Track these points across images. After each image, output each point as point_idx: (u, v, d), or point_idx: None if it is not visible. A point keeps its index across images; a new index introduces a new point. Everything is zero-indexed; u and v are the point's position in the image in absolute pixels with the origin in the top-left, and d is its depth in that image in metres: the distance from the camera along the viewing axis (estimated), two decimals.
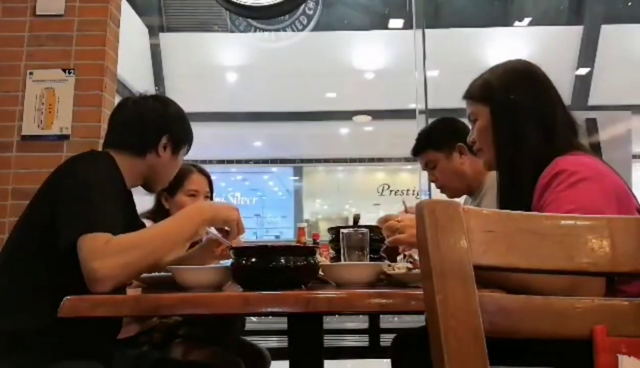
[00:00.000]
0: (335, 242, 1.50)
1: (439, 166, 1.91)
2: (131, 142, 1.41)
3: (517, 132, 1.20)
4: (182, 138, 1.47)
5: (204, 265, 1.43)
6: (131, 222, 1.43)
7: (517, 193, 1.19)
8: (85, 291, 0.94)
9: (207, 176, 1.98)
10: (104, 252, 1.09)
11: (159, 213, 1.88)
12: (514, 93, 1.22)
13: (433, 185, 2.03)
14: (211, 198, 1.99)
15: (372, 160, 10.18)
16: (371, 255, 1.38)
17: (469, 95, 1.32)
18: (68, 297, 0.89)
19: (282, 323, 2.67)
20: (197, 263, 1.43)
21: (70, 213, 1.17)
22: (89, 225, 1.12)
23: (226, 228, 1.32)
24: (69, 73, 2.59)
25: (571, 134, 1.22)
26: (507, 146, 1.22)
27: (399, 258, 1.59)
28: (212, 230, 1.37)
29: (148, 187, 1.50)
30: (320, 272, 1.15)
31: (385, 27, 7.99)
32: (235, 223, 1.30)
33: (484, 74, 1.30)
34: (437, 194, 2.08)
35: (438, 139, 1.92)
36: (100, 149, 1.52)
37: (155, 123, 1.43)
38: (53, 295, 1.10)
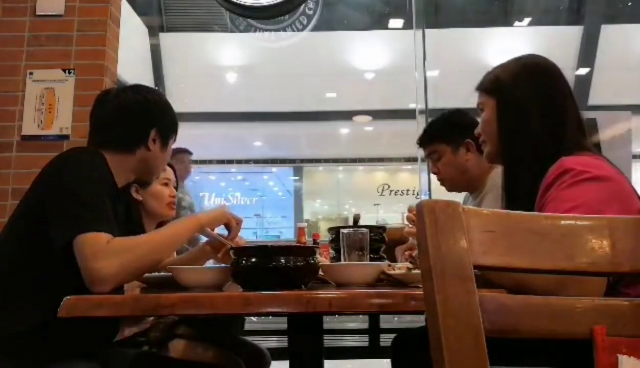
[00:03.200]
0: (335, 242, 1.50)
1: (443, 158, 1.89)
2: (118, 139, 1.37)
3: (520, 127, 1.19)
4: (169, 128, 1.44)
5: (204, 265, 1.43)
6: (126, 221, 1.43)
7: (520, 190, 1.19)
8: (77, 291, 0.92)
9: (173, 167, 2.02)
10: (105, 252, 1.09)
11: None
12: (521, 89, 1.21)
13: (433, 185, 2.03)
14: (177, 188, 2.03)
15: (372, 160, 10.18)
16: (371, 255, 1.38)
17: (480, 86, 1.32)
18: (68, 297, 0.89)
19: (282, 323, 2.67)
20: (196, 263, 1.43)
21: (63, 213, 1.15)
22: (86, 225, 1.11)
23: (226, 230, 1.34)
24: (69, 73, 2.59)
25: (579, 133, 1.20)
26: (510, 140, 1.22)
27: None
28: (210, 231, 1.37)
29: (141, 181, 1.51)
30: (320, 272, 1.15)
31: (385, 27, 7.99)
32: (233, 221, 1.34)
33: (497, 67, 1.30)
34: (438, 194, 2.08)
35: (449, 131, 1.89)
36: None
37: (140, 117, 1.39)
38: (45, 295, 1.10)
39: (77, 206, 1.15)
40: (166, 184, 1.95)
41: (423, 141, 1.96)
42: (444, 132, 1.91)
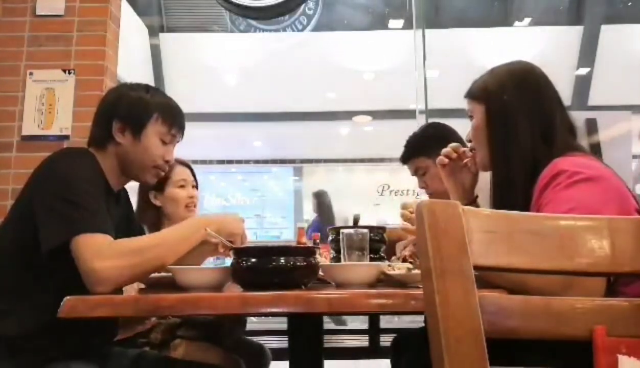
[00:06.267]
0: (335, 242, 1.50)
1: (429, 173, 1.89)
2: (91, 138, 1.37)
3: (510, 133, 1.21)
4: (135, 117, 1.32)
5: (203, 264, 1.43)
6: (123, 224, 1.41)
7: (510, 194, 1.19)
8: (71, 293, 0.91)
9: (189, 167, 2.00)
10: (107, 254, 1.08)
11: (143, 212, 1.90)
12: (508, 94, 1.23)
13: None
14: (197, 187, 2.00)
15: (372, 160, 10.16)
16: (371, 255, 1.38)
17: (469, 94, 1.33)
18: (68, 298, 0.89)
19: (282, 323, 2.67)
20: (194, 260, 1.42)
21: (54, 214, 1.14)
22: (83, 225, 1.11)
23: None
24: (69, 73, 2.59)
25: (570, 136, 1.22)
26: (500, 147, 1.23)
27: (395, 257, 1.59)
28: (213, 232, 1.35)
29: (138, 180, 1.42)
30: (320, 272, 1.15)
31: (385, 27, 7.98)
32: (239, 237, 1.29)
33: (484, 75, 1.32)
34: None
35: (428, 145, 1.90)
36: None
37: (100, 111, 1.37)
38: (45, 296, 1.10)
39: (69, 207, 1.13)
40: (182, 186, 1.94)
41: (404, 158, 1.97)
42: (423, 147, 1.92)
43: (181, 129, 1.40)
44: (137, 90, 1.37)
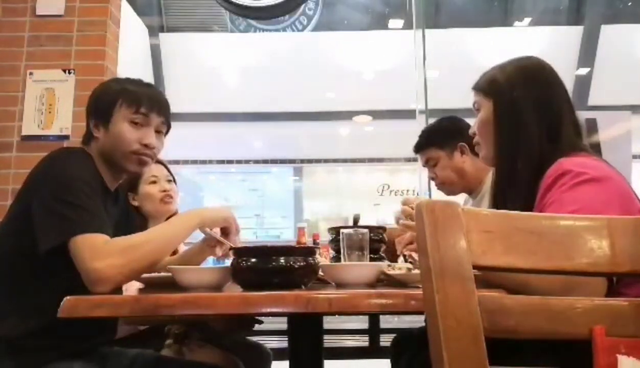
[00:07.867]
0: (335, 242, 1.50)
1: (440, 164, 1.92)
2: (83, 137, 1.39)
3: (518, 129, 1.20)
4: (102, 109, 1.33)
5: (203, 265, 1.43)
6: (122, 222, 1.42)
7: (512, 191, 1.19)
8: (70, 293, 0.90)
9: (162, 163, 2.00)
10: (104, 253, 1.08)
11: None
12: (517, 90, 1.21)
13: (433, 185, 2.04)
14: (174, 181, 2.01)
15: (372, 160, 10.17)
16: (371, 255, 1.38)
17: (477, 86, 1.32)
18: (68, 298, 0.89)
19: (282, 323, 2.67)
20: (195, 261, 1.43)
21: (52, 215, 1.14)
22: (82, 226, 1.11)
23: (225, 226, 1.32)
24: (69, 73, 2.59)
25: (576, 135, 1.21)
26: (507, 143, 1.22)
27: (400, 260, 1.58)
28: (208, 230, 1.36)
29: (124, 171, 1.38)
30: (320, 272, 1.15)
31: (385, 27, 7.99)
32: (233, 222, 1.31)
33: (494, 68, 1.30)
34: (438, 195, 2.09)
35: (441, 137, 1.93)
36: None
37: (86, 111, 1.38)
38: (45, 296, 1.10)
39: (66, 207, 1.13)
40: (154, 182, 1.96)
41: (418, 148, 2.00)
42: (436, 138, 1.95)
43: (152, 107, 1.34)
44: (109, 82, 1.38)
